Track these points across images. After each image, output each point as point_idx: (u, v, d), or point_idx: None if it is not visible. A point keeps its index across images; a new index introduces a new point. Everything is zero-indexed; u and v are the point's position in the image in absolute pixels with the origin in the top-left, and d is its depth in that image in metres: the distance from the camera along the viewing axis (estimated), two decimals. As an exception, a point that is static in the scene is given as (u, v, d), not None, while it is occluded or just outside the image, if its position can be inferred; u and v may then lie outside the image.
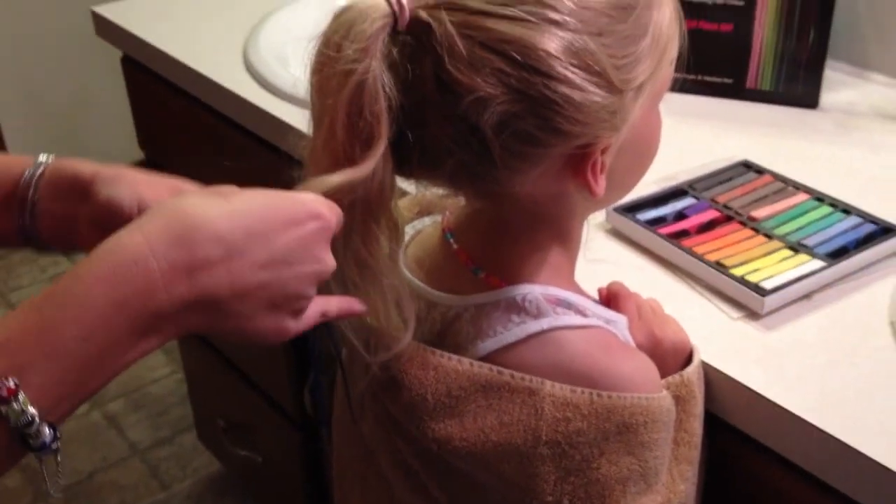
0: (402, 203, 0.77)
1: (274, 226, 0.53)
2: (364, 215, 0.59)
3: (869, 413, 0.68)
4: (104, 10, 1.46)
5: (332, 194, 0.57)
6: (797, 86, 1.08)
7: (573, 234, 0.69)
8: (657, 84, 0.65)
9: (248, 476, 1.65)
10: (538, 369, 0.64)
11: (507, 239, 0.67)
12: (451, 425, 0.65)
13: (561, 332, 0.65)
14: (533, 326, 0.65)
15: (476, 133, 0.58)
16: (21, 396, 0.46)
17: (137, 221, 0.52)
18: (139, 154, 1.58)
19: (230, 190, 0.56)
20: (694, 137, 1.04)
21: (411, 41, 0.58)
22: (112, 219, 0.62)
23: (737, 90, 1.11)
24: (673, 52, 0.65)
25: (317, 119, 0.59)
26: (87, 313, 0.48)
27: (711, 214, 0.87)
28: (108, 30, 1.46)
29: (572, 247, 0.70)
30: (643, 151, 0.68)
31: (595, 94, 0.58)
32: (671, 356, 0.72)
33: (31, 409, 0.47)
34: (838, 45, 1.14)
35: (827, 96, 1.10)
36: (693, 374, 0.71)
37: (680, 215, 0.87)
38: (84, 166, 0.67)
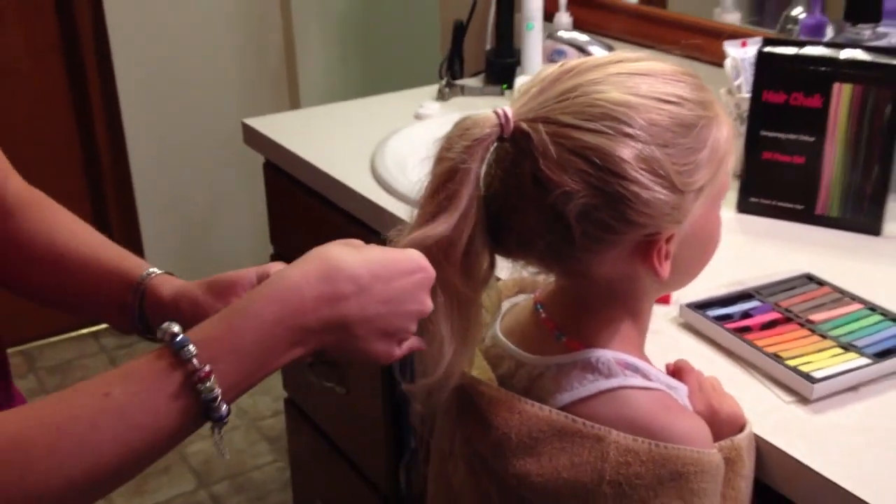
0: (503, 283, 0.91)
1: (392, 273, 0.69)
2: (449, 283, 0.74)
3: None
4: (253, 122, 1.68)
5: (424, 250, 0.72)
6: (862, 214, 1.20)
7: (643, 311, 0.82)
8: (716, 188, 0.78)
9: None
10: (606, 420, 0.76)
11: (587, 311, 0.81)
12: (529, 463, 0.77)
13: (627, 390, 0.77)
14: (604, 384, 0.78)
15: (562, 220, 0.72)
16: (212, 378, 0.62)
17: (297, 262, 0.68)
18: (267, 249, 1.77)
19: (359, 243, 0.72)
20: (766, 254, 1.16)
21: (511, 147, 0.73)
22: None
23: (807, 216, 1.23)
24: (729, 163, 0.79)
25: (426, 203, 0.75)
26: (260, 324, 0.64)
27: (773, 315, 0.99)
28: (254, 138, 1.68)
29: (642, 322, 0.82)
30: (704, 244, 0.81)
31: (660, 193, 0.72)
32: (726, 426, 0.83)
33: (217, 389, 0.62)
34: (905, 182, 1.26)
35: (891, 226, 1.21)
36: (743, 440, 0.82)
37: (745, 314, 0.99)
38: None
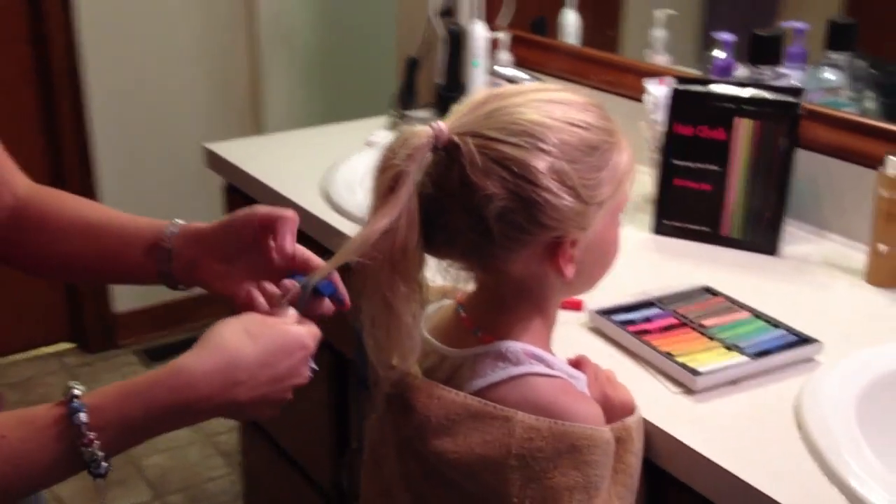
0: (430, 289, 1.03)
1: (279, 357, 0.83)
2: (391, 272, 0.86)
3: (763, 459, 0.90)
4: (214, 147, 1.80)
5: (367, 251, 0.84)
6: (761, 236, 1.34)
7: (550, 309, 0.94)
8: (615, 203, 0.90)
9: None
10: (513, 403, 0.88)
11: (501, 308, 0.92)
12: (447, 442, 0.89)
13: (532, 377, 0.89)
14: (512, 371, 0.89)
15: (483, 220, 0.84)
16: (95, 445, 0.74)
17: (198, 353, 0.80)
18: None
19: (258, 331, 0.83)
20: (674, 270, 1.30)
21: (443, 156, 0.86)
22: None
23: (713, 237, 1.37)
24: (628, 182, 0.92)
25: (372, 204, 0.87)
26: (151, 407, 0.76)
27: (671, 321, 1.12)
28: (215, 162, 1.79)
29: (549, 319, 0.94)
30: (604, 253, 0.94)
31: (567, 201, 0.85)
32: (619, 410, 0.95)
33: (99, 453, 0.75)
34: (803, 208, 1.40)
35: (788, 248, 1.35)
36: (632, 422, 0.94)
37: (646, 319, 1.12)
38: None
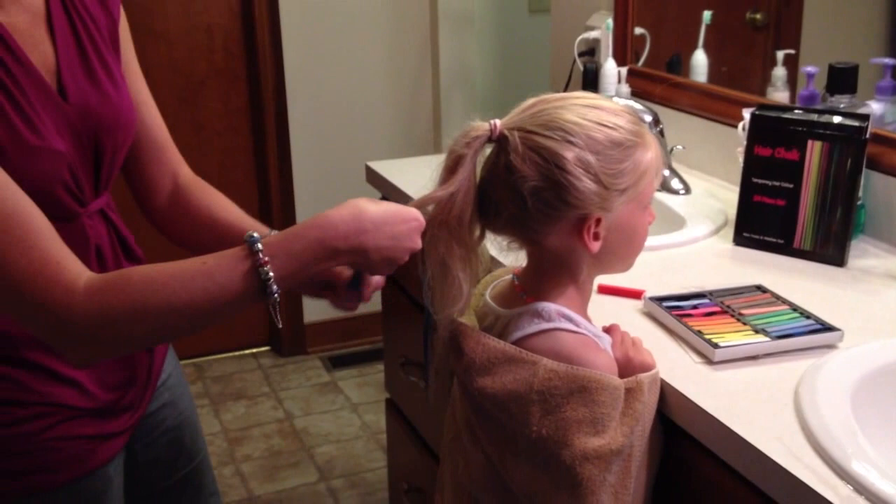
0: (499, 270, 1.24)
1: (397, 219, 1.04)
2: (448, 236, 1.08)
3: (759, 423, 1.05)
4: (374, 165, 2.10)
5: (427, 211, 1.06)
6: (829, 249, 1.46)
7: (582, 279, 1.13)
8: (638, 192, 1.09)
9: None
10: (542, 351, 1.08)
11: (542, 276, 1.13)
12: (486, 380, 1.10)
13: (560, 332, 1.09)
14: (544, 325, 1.10)
15: (521, 197, 1.06)
16: (268, 266, 0.99)
17: (338, 208, 1.03)
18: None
19: (383, 203, 1.05)
20: (741, 274, 1.44)
21: (497, 144, 1.08)
22: None
23: (786, 248, 1.50)
24: (650, 176, 1.10)
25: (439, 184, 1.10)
26: (306, 241, 1.01)
27: (714, 309, 1.27)
28: (374, 178, 2.08)
29: (581, 288, 1.14)
30: (630, 235, 1.12)
31: (589, 185, 1.05)
32: (637, 369, 1.13)
33: (271, 274, 0.99)
34: (878, 227, 1.51)
35: (856, 261, 1.46)
36: (645, 378, 1.11)
37: (693, 307, 1.28)
38: None
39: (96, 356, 1.04)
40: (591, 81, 2.05)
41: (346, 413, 2.99)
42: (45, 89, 1.08)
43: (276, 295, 0.99)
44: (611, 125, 1.07)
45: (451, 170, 1.08)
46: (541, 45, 2.95)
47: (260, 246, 0.99)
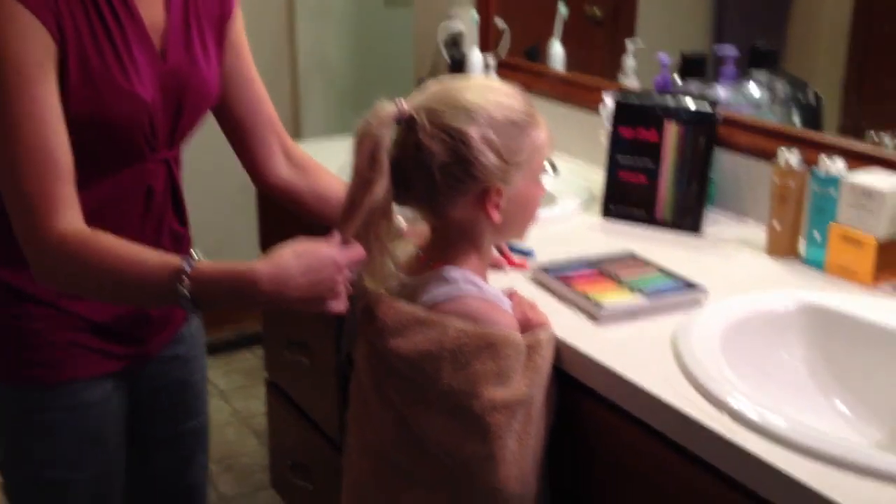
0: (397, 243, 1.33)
1: (316, 267, 1.13)
2: (377, 213, 1.16)
3: (644, 367, 1.19)
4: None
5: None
6: (687, 219, 1.63)
7: (484, 247, 1.24)
8: (532, 167, 1.21)
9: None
10: (450, 312, 1.18)
11: (447, 245, 1.23)
12: (399, 341, 1.19)
13: (466, 296, 1.20)
14: (451, 289, 1.20)
15: (430, 173, 1.15)
16: (186, 289, 1.11)
17: (265, 262, 1.12)
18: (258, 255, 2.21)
19: (302, 250, 1.13)
20: (612, 243, 1.59)
21: (405, 125, 1.17)
22: None
23: (649, 220, 1.66)
24: (543, 152, 1.22)
25: (353, 162, 1.18)
26: (231, 290, 1.13)
27: (595, 274, 1.41)
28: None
29: (484, 255, 1.24)
30: (526, 205, 1.24)
31: (492, 159, 1.15)
32: (535, 328, 1.25)
33: (188, 295, 1.11)
34: (727, 199, 1.69)
35: (710, 229, 1.64)
36: (542, 334, 1.22)
37: (576, 272, 1.42)
38: None
39: (48, 283, 1.19)
40: (457, 70, 2.17)
41: (214, 401, 3.00)
42: (148, 45, 1.24)
43: (193, 310, 1.13)
44: (508, 106, 1.18)
45: (372, 158, 1.15)
46: (398, 36, 3.05)
47: (188, 269, 1.11)
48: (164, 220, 1.36)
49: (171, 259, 1.13)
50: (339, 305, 1.16)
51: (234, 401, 3.01)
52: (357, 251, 1.16)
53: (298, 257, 1.13)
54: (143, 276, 1.13)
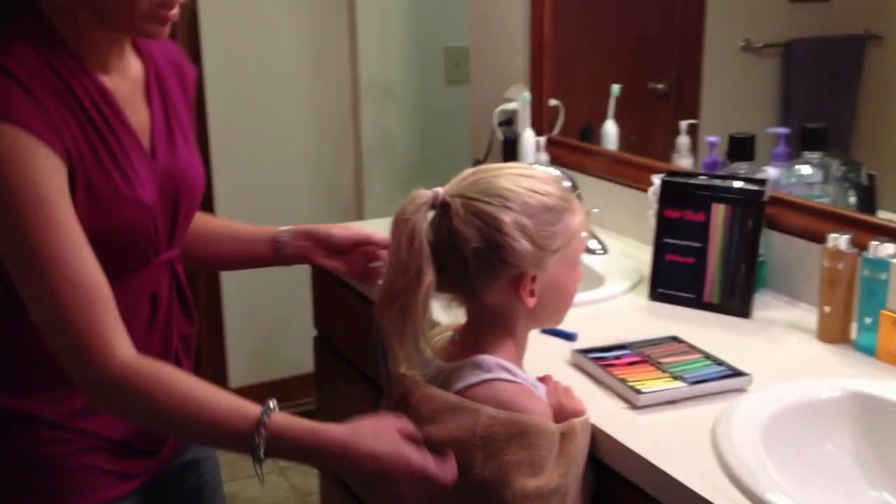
0: (439, 328, 1.33)
1: (384, 464, 1.11)
2: (415, 302, 1.16)
3: (681, 459, 1.16)
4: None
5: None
6: (735, 302, 1.59)
7: (519, 333, 1.23)
8: (568, 252, 1.20)
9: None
10: (482, 400, 1.17)
11: (481, 331, 1.23)
12: (432, 428, 1.18)
13: (499, 381, 1.19)
14: (484, 376, 1.19)
15: (464, 258, 1.16)
16: (262, 441, 1.09)
17: (342, 425, 1.12)
18: (312, 332, 2.23)
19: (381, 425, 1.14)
20: (657, 326, 1.56)
21: (440, 210, 1.18)
22: (330, 241, 1.52)
23: (697, 302, 1.63)
24: (578, 237, 1.21)
25: (390, 249, 1.19)
26: (299, 448, 1.12)
27: (635, 359, 1.39)
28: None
29: (518, 342, 1.23)
30: (562, 291, 1.23)
31: (525, 245, 1.15)
32: (570, 415, 1.22)
33: (262, 449, 1.10)
34: (779, 281, 1.65)
35: (760, 313, 1.60)
36: (577, 422, 1.20)
37: (616, 357, 1.39)
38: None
39: (107, 412, 1.19)
40: (510, 150, 2.18)
41: (273, 477, 3.01)
42: (140, 148, 1.23)
43: (262, 460, 1.11)
44: (543, 192, 1.19)
45: (409, 243, 1.15)
46: (458, 114, 3.09)
47: (266, 422, 1.10)
48: (173, 324, 1.33)
49: (248, 408, 1.11)
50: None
51: (293, 477, 3.02)
52: (436, 466, 1.13)
53: (376, 438, 1.12)
54: (216, 421, 1.11)
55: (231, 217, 3.14)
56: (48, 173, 1.11)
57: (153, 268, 1.28)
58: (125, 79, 1.25)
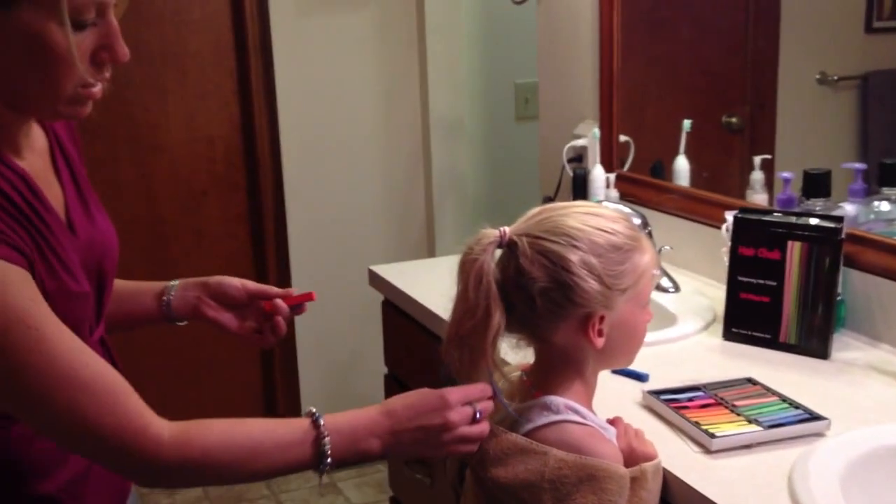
0: (509, 367, 1.32)
1: (425, 411, 1.13)
2: (484, 342, 1.16)
3: (757, 500, 1.13)
4: (377, 269, 2.19)
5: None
6: (813, 342, 1.55)
7: (587, 374, 1.22)
8: (637, 291, 1.19)
9: None
10: (551, 442, 1.16)
11: (550, 372, 1.21)
12: (500, 470, 1.17)
13: (568, 423, 1.17)
14: (553, 418, 1.18)
15: (531, 297, 1.15)
16: (328, 442, 1.09)
17: (379, 413, 1.14)
18: (383, 370, 2.24)
19: (413, 398, 1.15)
20: (732, 368, 1.53)
21: (507, 249, 1.17)
22: (224, 292, 1.36)
23: (772, 343, 1.59)
24: (647, 276, 1.20)
25: (458, 288, 1.18)
26: (355, 437, 1.12)
27: (709, 401, 1.36)
28: (377, 282, 2.18)
29: (587, 382, 1.22)
30: (631, 332, 1.21)
31: (593, 285, 1.14)
32: (640, 459, 1.20)
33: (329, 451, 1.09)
34: (858, 321, 1.61)
35: (839, 354, 1.56)
36: (649, 467, 1.18)
37: (689, 399, 1.37)
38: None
39: (169, 488, 1.15)
40: (580, 186, 2.17)
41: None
42: (65, 230, 1.12)
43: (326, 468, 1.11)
44: (610, 230, 1.17)
45: (478, 283, 1.15)
46: (527, 150, 3.09)
47: (322, 422, 1.10)
48: None
49: (295, 421, 1.11)
50: (464, 447, 1.16)
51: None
52: (475, 388, 1.16)
53: (407, 408, 1.14)
54: (281, 451, 1.09)
55: (305, 254, 3.27)
56: (23, 289, 1.00)
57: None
58: (35, 154, 1.14)
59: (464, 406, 1.15)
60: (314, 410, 1.11)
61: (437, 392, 1.14)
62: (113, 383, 1.04)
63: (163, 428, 1.04)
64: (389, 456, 1.13)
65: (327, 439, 1.09)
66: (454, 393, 1.15)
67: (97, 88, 1.07)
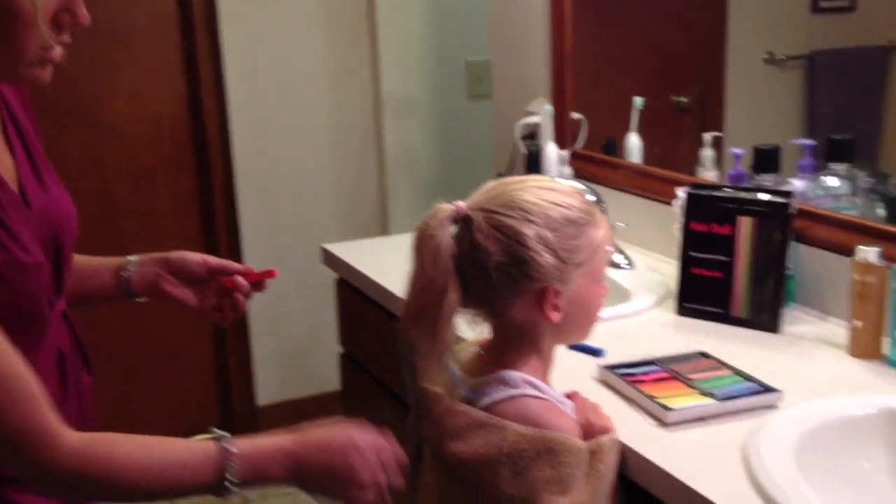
0: (466, 342, 1.33)
1: (333, 452, 1.10)
2: (432, 311, 1.15)
3: (711, 477, 1.14)
4: (331, 247, 2.18)
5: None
6: (764, 317, 1.57)
7: (544, 349, 1.22)
8: (593, 266, 1.19)
9: None
10: (509, 416, 1.16)
11: (507, 346, 1.21)
12: (458, 444, 1.17)
13: (525, 398, 1.18)
14: (510, 392, 1.18)
15: (486, 272, 1.15)
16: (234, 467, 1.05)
17: (289, 441, 1.09)
18: (338, 349, 2.23)
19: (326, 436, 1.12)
20: (684, 342, 1.54)
21: (462, 224, 1.17)
22: (184, 268, 1.34)
23: (724, 317, 1.61)
24: (602, 251, 1.20)
25: (413, 265, 1.18)
26: (261, 462, 1.07)
27: (663, 375, 1.37)
28: (331, 260, 2.16)
29: (544, 356, 1.22)
30: (587, 306, 1.22)
31: (549, 259, 1.14)
32: (598, 432, 1.21)
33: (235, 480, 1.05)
34: (807, 295, 1.63)
35: (790, 327, 1.58)
36: (605, 440, 1.19)
37: (644, 373, 1.38)
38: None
39: (67, 497, 1.12)
40: (533, 163, 2.18)
41: (303, 496, 3.00)
42: (17, 202, 1.10)
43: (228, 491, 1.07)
44: (565, 205, 1.18)
45: (434, 259, 1.14)
46: (480, 128, 3.09)
47: (227, 446, 1.06)
48: (80, 380, 1.25)
49: (202, 444, 1.07)
50: (365, 496, 1.12)
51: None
52: (383, 439, 1.14)
53: (316, 441, 1.11)
54: (184, 471, 1.05)
55: (256, 234, 3.24)
56: None
57: (53, 326, 1.18)
58: None
59: (372, 452, 1.12)
60: (219, 433, 1.07)
61: (348, 433, 1.13)
62: (30, 387, 1.00)
63: (71, 436, 1.02)
64: (295, 485, 1.10)
65: (232, 464, 1.05)
66: (364, 439, 1.13)
67: (57, 51, 1.07)
